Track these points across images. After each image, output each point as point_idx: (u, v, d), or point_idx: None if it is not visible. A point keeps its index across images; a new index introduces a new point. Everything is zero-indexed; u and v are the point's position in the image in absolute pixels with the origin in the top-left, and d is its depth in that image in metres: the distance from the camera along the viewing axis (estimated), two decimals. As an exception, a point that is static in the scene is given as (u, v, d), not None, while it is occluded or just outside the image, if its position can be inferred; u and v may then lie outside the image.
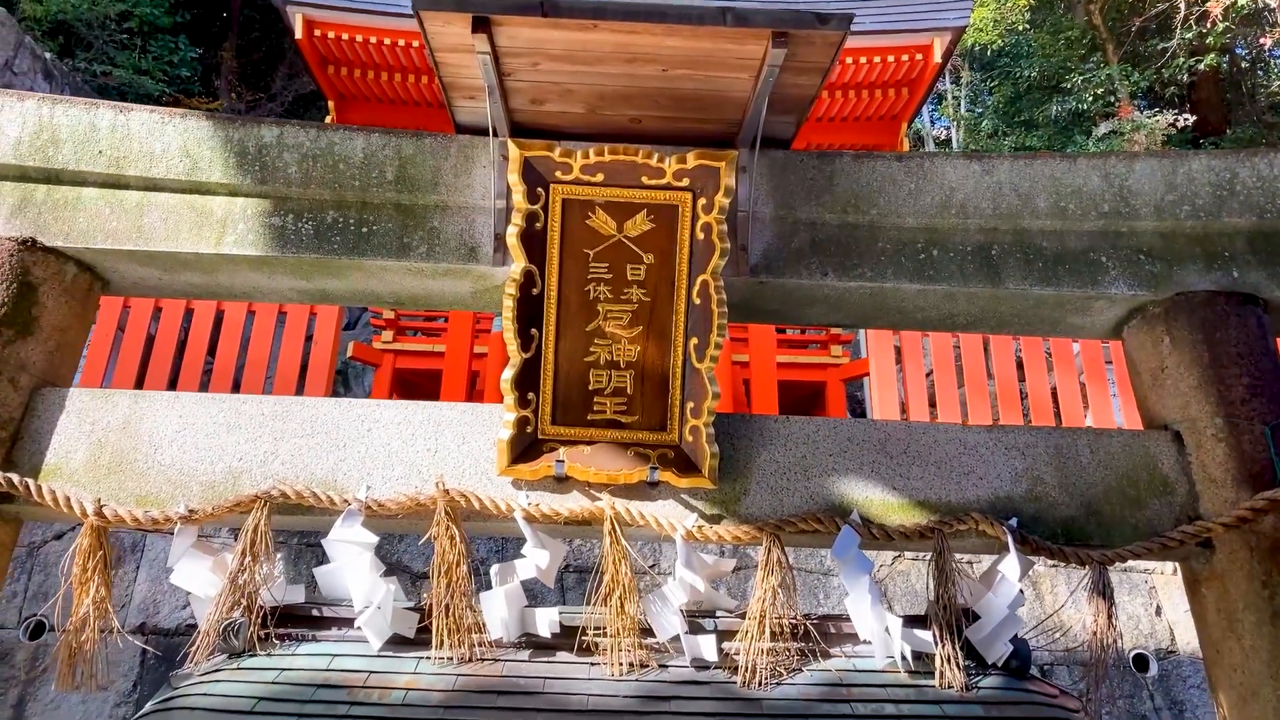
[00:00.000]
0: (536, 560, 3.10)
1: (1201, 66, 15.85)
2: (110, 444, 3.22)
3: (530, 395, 3.21)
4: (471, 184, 3.47)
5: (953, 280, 3.51)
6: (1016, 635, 3.04)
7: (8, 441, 3.18)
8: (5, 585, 3.79)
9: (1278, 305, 3.49)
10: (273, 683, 2.80)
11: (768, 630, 2.96)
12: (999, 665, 2.98)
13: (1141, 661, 5.86)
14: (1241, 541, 3.13)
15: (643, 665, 3.00)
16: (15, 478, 3.05)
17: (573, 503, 3.17)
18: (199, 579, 3.07)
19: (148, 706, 2.85)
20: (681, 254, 3.22)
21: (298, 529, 3.23)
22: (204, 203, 3.46)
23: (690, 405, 3.22)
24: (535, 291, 3.20)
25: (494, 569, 3.16)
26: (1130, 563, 7.00)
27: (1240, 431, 3.25)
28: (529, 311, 3.19)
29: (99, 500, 3.06)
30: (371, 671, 2.87)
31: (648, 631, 3.10)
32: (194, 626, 5.51)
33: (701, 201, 3.17)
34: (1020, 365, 6.99)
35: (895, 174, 3.61)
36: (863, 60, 8.59)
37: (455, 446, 3.27)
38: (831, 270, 3.51)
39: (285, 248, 3.42)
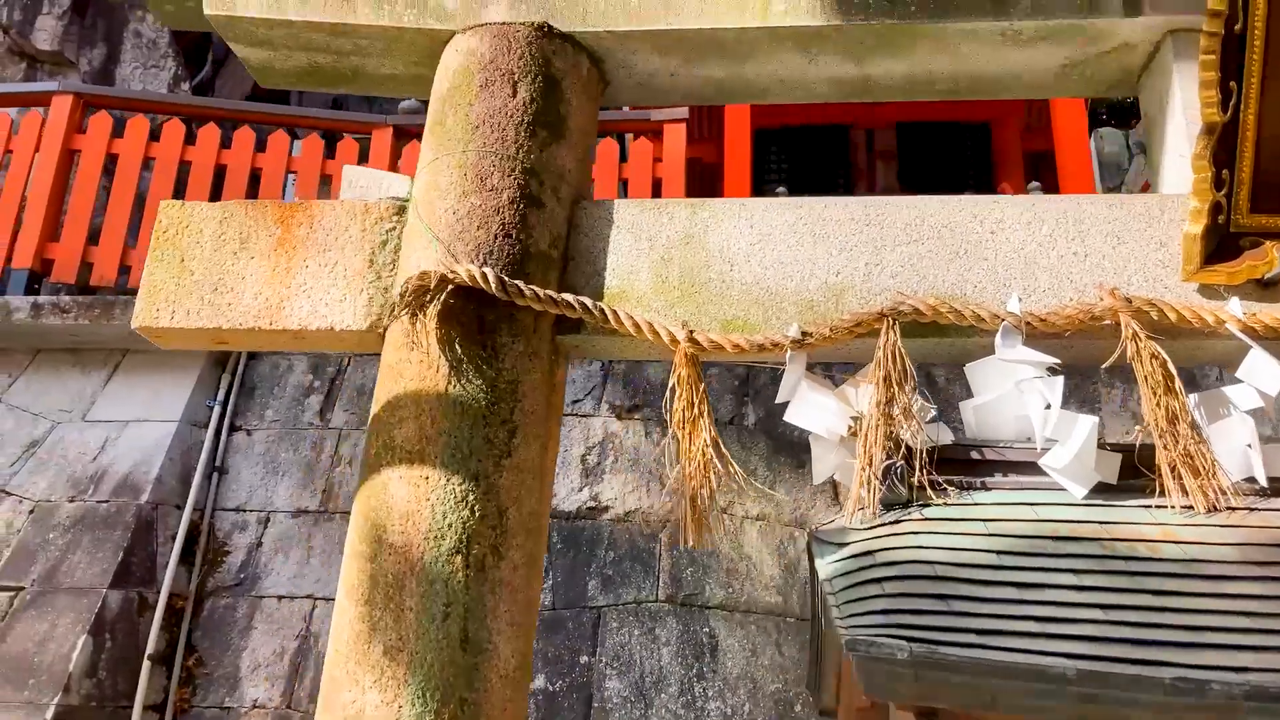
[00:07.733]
0: (1262, 379, 2.36)
1: None
2: (676, 261, 2.64)
3: (1225, 174, 2.42)
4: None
5: None
6: None
7: (559, 263, 2.64)
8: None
9: None
10: (988, 535, 2.19)
11: None
12: None
13: None
14: None
15: None
16: (589, 302, 2.50)
17: (1297, 312, 2.40)
18: (819, 414, 2.48)
19: (829, 561, 2.29)
20: None
21: (919, 356, 2.61)
22: (746, -35, 2.79)
23: None
24: (1237, 28, 2.39)
25: (1192, 398, 2.44)
26: None
27: None
28: (1228, 58, 2.38)
29: (687, 325, 2.49)
30: (1101, 522, 2.22)
31: None
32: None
33: None
34: None
35: None
36: None
37: (1109, 249, 2.53)
38: None
39: (850, 13, 2.72)
